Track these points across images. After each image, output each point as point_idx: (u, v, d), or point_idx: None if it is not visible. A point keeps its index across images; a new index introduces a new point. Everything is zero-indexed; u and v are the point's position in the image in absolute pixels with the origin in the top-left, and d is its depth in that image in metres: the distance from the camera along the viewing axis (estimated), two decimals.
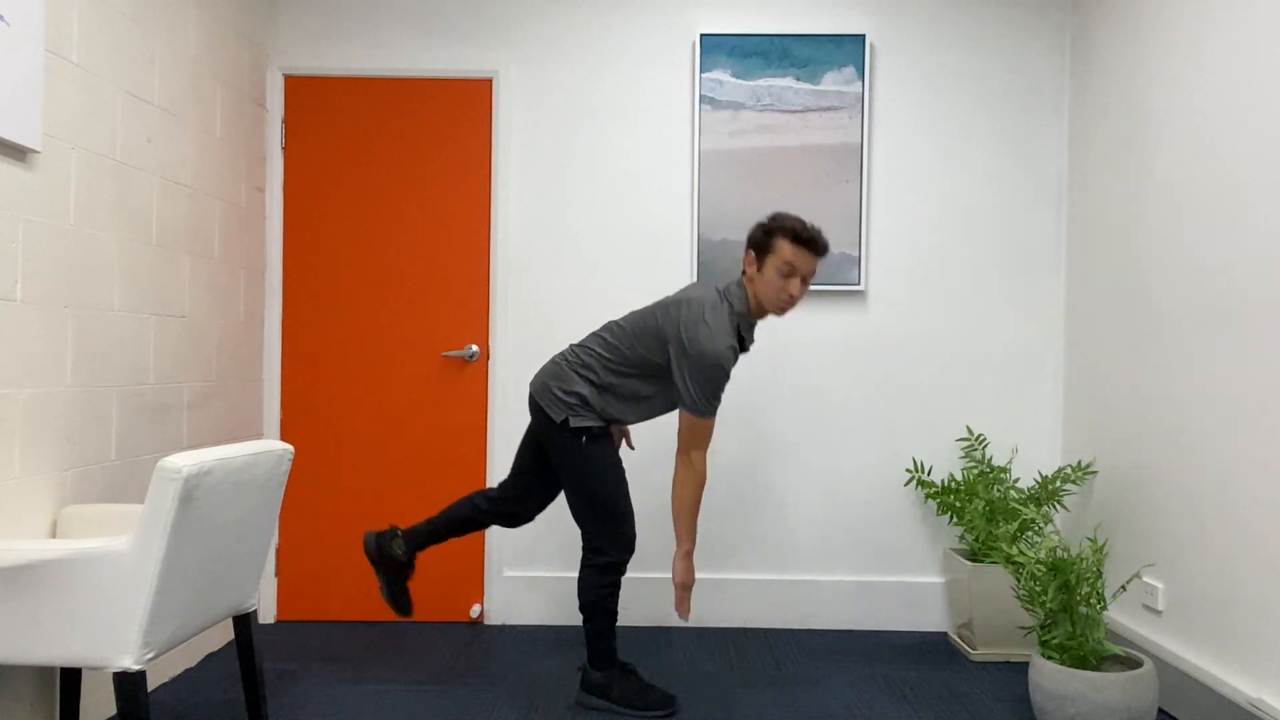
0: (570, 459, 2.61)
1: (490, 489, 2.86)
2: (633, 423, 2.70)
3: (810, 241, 2.52)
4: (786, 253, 2.52)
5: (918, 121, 3.49)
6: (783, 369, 3.50)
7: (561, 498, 3.42)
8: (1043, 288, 3.49)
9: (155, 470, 1.91)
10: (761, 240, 2.56)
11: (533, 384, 2.69)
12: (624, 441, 3.00)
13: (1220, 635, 2.49)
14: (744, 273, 2.62)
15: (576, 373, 2.63)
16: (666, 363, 2.57)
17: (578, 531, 3.49)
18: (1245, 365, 2.40)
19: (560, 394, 2.61)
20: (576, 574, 3.49)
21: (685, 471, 2.58)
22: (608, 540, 2.61)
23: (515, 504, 2.81)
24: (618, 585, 2.63)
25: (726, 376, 2.52)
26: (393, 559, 2.80)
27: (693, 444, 2.57)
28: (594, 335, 2.69)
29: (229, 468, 2.07)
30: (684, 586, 2.62)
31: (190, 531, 1.98)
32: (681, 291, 2.64)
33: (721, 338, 2.48)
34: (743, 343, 2.61)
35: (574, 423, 2.58)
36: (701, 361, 2.48)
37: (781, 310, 2.58)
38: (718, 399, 2.54)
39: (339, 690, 2.80)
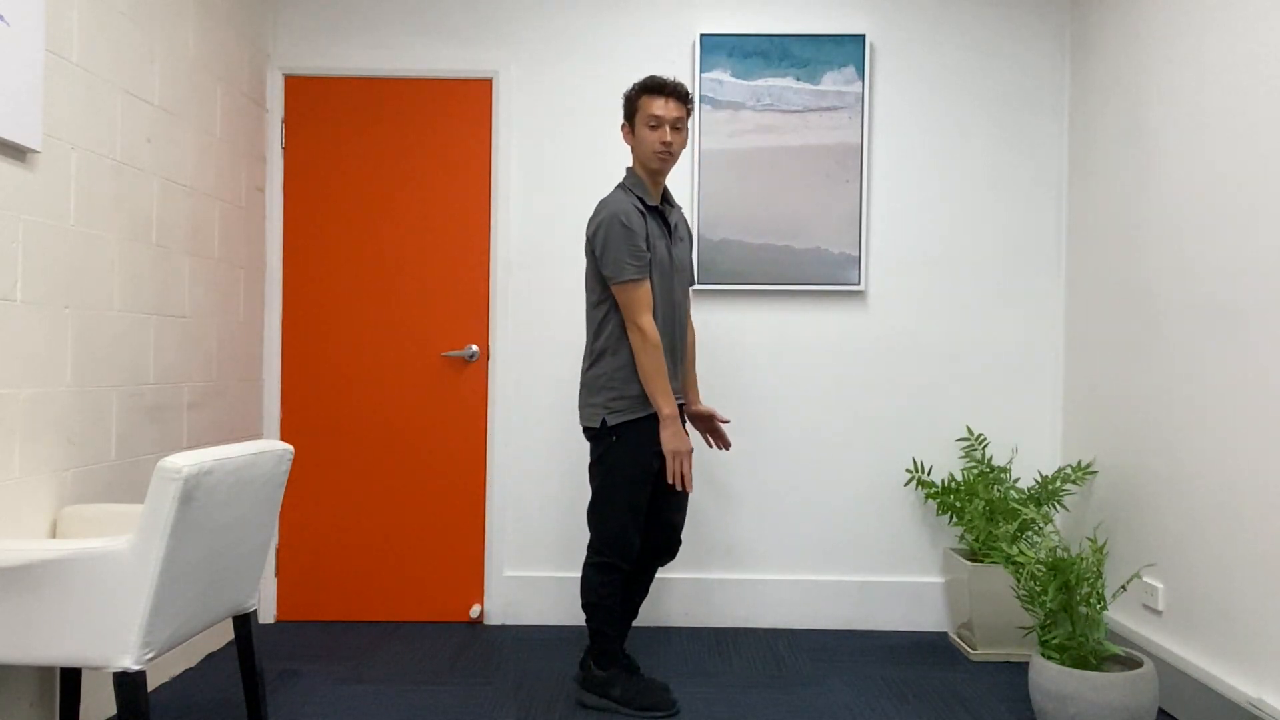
0: (598, 456, 2.64)
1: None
2: (672, 374, 2.64)
3: (659, 85, 2.62)
4: (647, 106, 2.62)
5: (918, 121, 3.49)
6: (783, 368, 3.50)
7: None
8: (1043, 287, 3.49)
9: (155, 470, 1.91)
10: (626, 108, 2.69)
11: (579, 416, 2.74)
12: (714, 442, 2.93)
13: (1220, 635, 2.49)
14: (633, 156, 2.70)
15: (587, 366, 2.66)
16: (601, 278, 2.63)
17: (577, 531, 3.50)
18: (1245, 365, 2.40)
19: (587, 399, 2.64)
20: (576, 574, 3.50)
21: (636, 338, 2.55)
22: (608, 543, 2.61)
23: (644, 544, 2.74)
24: (617, 584, 2.63)
25: (633, 232, 2.54)
26: (605, 682, 2.67)
27: (634, 313, 2.54)
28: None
29: (229, 468, 2.06)
30: (674, 454, 2.54)
31: (190, 531, 1.98)
32: None
33: (614, 202, 2.59)
34: (644, 203, 2.63)
35: (611, 421, 2.59)
36: (600, 229, 2.56)
37: (663, 162, 2.64)
38: (635, 260, 2.53)
39: (339, 690, 2.80)
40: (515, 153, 3.51)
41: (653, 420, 2.58)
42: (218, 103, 3.11)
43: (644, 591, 2.81)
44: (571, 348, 3.50)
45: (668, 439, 2.55)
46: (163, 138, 2.78)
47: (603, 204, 2.62)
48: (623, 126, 2.70)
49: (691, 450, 2.57)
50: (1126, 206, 3.02)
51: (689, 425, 2.76)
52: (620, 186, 2.68)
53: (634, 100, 2.65)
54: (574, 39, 3.50)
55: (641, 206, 2.61)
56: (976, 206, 3.49)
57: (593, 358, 2.65)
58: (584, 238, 3.48)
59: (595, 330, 2.65)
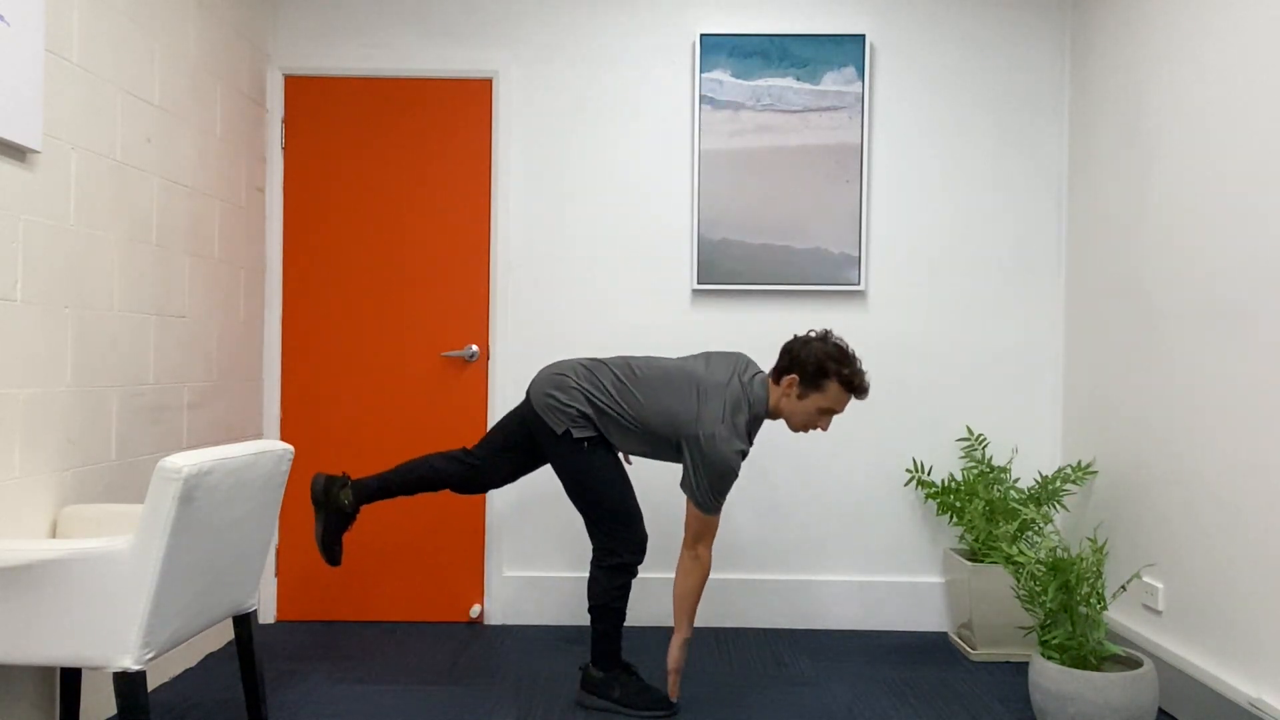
0: (572, 466, 2.60)
1: (453, 451, 2.80)
2: (629, 452, 2.71)
3: (860, 390, 2.55)
4: (834, 396, 2.55)
5: (918, 121, 3.49)
6: None
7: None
8: (1043, 287, 3.49)
9: (155, 470, 1.91)
10: (813, 375, 2.53)
11: (534, 389, 2.65)
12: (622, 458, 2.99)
13: (1220, 635, 2.49)
14: (775, 379, 2.60)
15: (583, 394, 2.60)
16: (673, 442, 2.57)
17: (577, 531, 3.50)
18: (1245, 365, 2.40)
19: (563, 405, 2.59)
20: (576, 574, 3.50)
21: (691, 564, 2.60)
22: (619, 542, 2.61)
23: (482, 473, 2.76)
24: (628, 587, 2.63)
25: (735, 477, 2.55)
26: (337, 506, 2.73)
27: (700, 538, 2.59)
28: (608, 369, 2.64)
29: (229, 468, 2.06)
30: (676, 671, 2.64)
31: (190, 531, 1.98)
32: (706, 369, 2.61)
33: (736, 443, 2.51)
34: (750, 440, 2.61)
35: (576, 434, 2.58)
36: (714, 466, 2.50)
37: (799, 432, 2.65)
38: (724, 498, 2.57)
39: (339, 690, 2.80)
40: (515, 153, 3.51)
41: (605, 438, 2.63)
42: (218, 103, 3.11)
43: (420, 492, 2.80)
44: (571, 347, 3.50)
45: (676, 657, 2.64)
46: (163, 138, 2.78)
47: (723, 421, 2.49)
48: (789, 376, 2.55)
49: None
50: (1126, 206, 3.02)
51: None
52: (747, 407, 2.54)
53: (823, 378, 2.52)
54: (574, 39, 3.51)
55: (747, 445, 2.56)
56: (976, 206, 3.49)
57: (596, 403, 2.58)
58: (592, 244, 3.48)
59: (621, 421, 2.58)
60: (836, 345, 2.56)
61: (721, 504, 2.57)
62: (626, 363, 2.67)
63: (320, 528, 2.74)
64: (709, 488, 2.52)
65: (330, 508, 2.73)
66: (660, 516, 3.49)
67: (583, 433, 2.58)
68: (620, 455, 2.79)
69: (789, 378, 2.56)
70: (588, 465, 2.59)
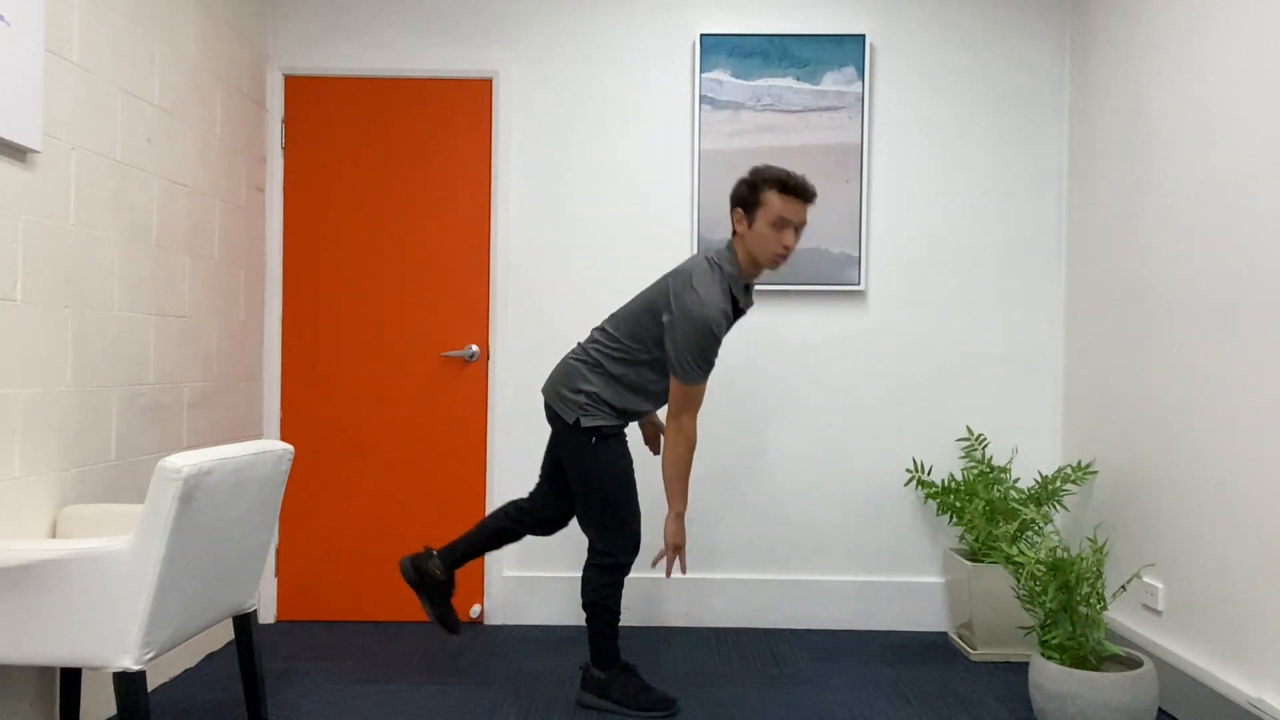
0: (578, 459, 2.61)
1: (521, 499, 2.86)
2: (651, 410, 2.69)
3: (798, 189, 2.52)
4: (776, 204, 2.51)
5: (918, 121, 3.49)
6: (783, 368, 3.50)
7: None
8: (1043, 287, 3.49)
9: (155, 470, 1.91)
10: (748, 195, 2.54)
11: (544, 388, 2.70)
12: (651, 447, 3.00)
13: (1220, 635, 2.49)
14: (733, 232, 2.60)
15: (585, 368, 2.63)
16: (662, 336, 2.57)
17: (576, 530, 3.50)
18: (1245, 365, 2.40)
19: (570, 394, 2.61)
20: (575, 574, 3.49)
21: (675, 436, 2.57)
22: (612, 541, 2.61)
23: (546, 510, 2.81)
24: (620, 585, 2.63)
25: (717, 342, 2.51)
26: (433, 579, 2.79)
27: (683, 409, 2.55)
28: (597, 329, 2.70)
29: (229, 468, 2.07)
30: (676, 548, 2.62)
31: (190, 531, 1.98)
32: (677, 266, 2.65)
33: (711, 303, 2.48)
34: (736, 305, 2.61)
35: (585, 423, 2.58)
36: (690, 327, 2.47)
37: (776, 264, 2.57)
38: (708, 365, 2.52)
39: (339, 690, 2.80)
40: (515, 152, 3.51)
41: (622, 429, 2.64)
42: (218, 103, 3.11)
43: (505, 544, 2.85)
44: (571, 348, 3.50)
45: (673, 532, 2.61)
46: (163, 138, 2.78)
47: (699, 293, 2.48)
48: (734, 212, 2.56)
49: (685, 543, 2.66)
50: (1126, 206, 3.02)
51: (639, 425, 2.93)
52: (718, 269, 2.54)
53: (757, 191, 2.52)
54: (574, 39, 3.50)
55: (729, 306, 2.54)
56: (976, 206, 3.49)
57: (596, 369, 2.61)
58: (593, 244, 3.48)
59: (619, 357, 2.60)
60: (765, 165, 2.57)
61: (704, 374, 2.52)
62: (611, 315, 2.72)
63: (427, 606, 2.81)
64: (690, 353, 2.48)
65: (427, 584, 2.79)
66: (660, 516, 3.49)
67: (592, 421, 2.58)
68: (630, 455, 2.80)
69: (736, 214, 2.58)
70: (594, 460, 2.60)
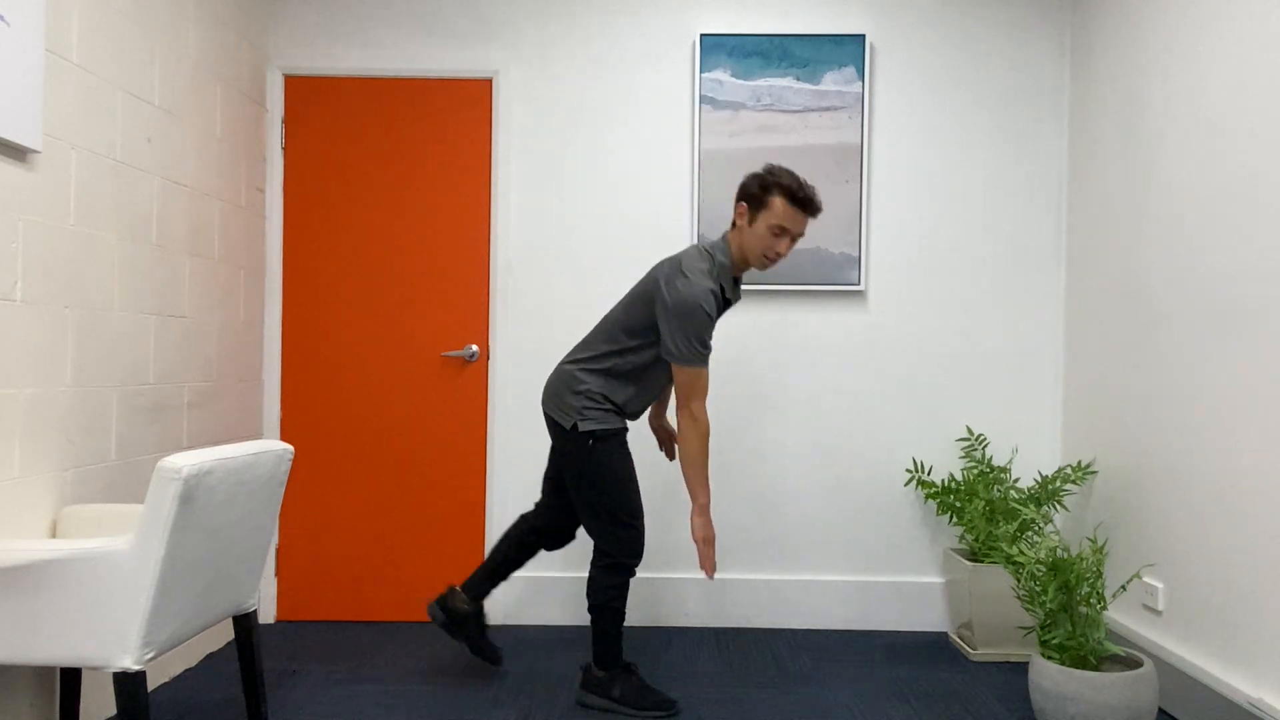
0: (577, 463, 2.61)
1: (528, 513, 2.87)
2: (646, 402, 2.69)
3: (806, 202, 2.52)
4: (780, 211, 2.52)
5: (918, 121, 3.49)
6: (783, 369, 3.50)
7: None
8: (1043, 287, 3.49)
9: (155, 470, 1.91)
10: (756, 194, 2.55)
11: (542, 398, 2.70)
12: (666, 452, 3.00)
13: (1220, 635, 2.49)
14: (733, 224, 2.61)
15: (578, 369, 2.63)
16: (656, 324, 2.58)
17: (577, 532, 3.49)
18: (1245, 365, 2.40)
19: (568, 398, 2.61)
20: (576, 574, 3.49)
21: (688, 425, 2.56)
22: (618, 543, 2.61)
23: (554, 522, 2.82)
24: (626, 586, 2.63)
25: (710, 321, 2.51)
26: (462, 615, 2.79)
27: (690, 396, 2.54)
28: (591, 330, 2.71)
29: (229, 468, 2.06)
30: (706, 541, 2.58)
31: (190, 531, 1.98)
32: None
33: (699, 284, 2.49)
34: (724, 291, 2.60)
35: (582, 426, 2.58)
36: (681, 309, 2.47)
37: (763, 267, 2.59)
38: (705, 346, 2.52)
39: (339, 690, 2.80)
40: (515, 153, 3.51)
41: (622, 432, 2.63)
42: (218, 103, 3.11)
43: (525, 560, 2.86)
44: (571, 348, 3.49)
45: (700, 525, 2.58)
46: (163, 138, 2.78)
47: (688, 276, 2.49)
48: (739, 205, 2.57)
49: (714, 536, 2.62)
50: (1126, 206, 3.02)
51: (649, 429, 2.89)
52: (709, 256, 2.56)
53: (767, 192, 2.52)
54: (574, 39, 3.50)
55: (718, 289, 2.55)
56: (976, 206, 3.49)
57: (590, 366, 2.62)
58: (593, 244, 3.48)
59: (613, 350, 2.61)
60: (780, 167, 2.56)
61: (704, 354, 2.51)
62: (605, 315, 2.73)
63: (464, 642, 2.81)
64: (685, 335, 2.48)
65: (460, 622, 2.80)
66: (661, 516, 3.49)
67: (589, 425, 2.58)
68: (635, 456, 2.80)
69: (739, 207, 2.58)
70: (594, 464, 2.59)
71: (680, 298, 2.48)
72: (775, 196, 2.52)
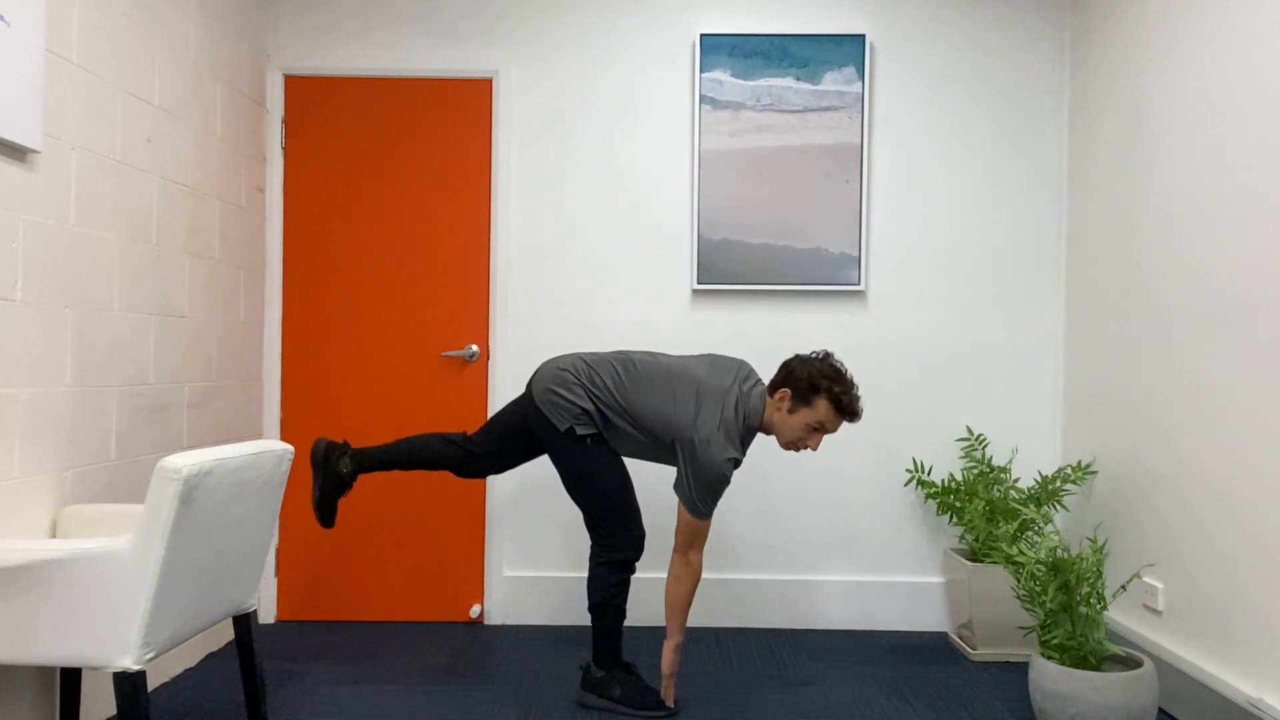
0: (574, 462, 2.61)
1: (452, 435, 2.82)
2: (635, 456, 2.71)
3: (850, 412, 2.54)
4: (823, 415, 2.54)
5: (918, 121, 3.49)
6: None
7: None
8: (1043, 287, 3.49)
9: (155, 470, 1.91)
10: (804, 391, 2.53)
11: (536, 385, 2.66)
12: None
13: (1220, 635, 2.49)
14: (770, 393, 2.59)
15: (585, 391, 2.61)
16: (667, 442, 2.57)
17: (577, 530, 3.50)
18: (1245, 365, 2.40)
19: (565, 403, 2.60)
20: (576, 574, 3.49)
21: (682, 570, 2.59)
22: (618, 539, 2.62)
23: (480, 460, 2.79)
24: (628, 584, 2.64)
25: (727, 484, 2.55)
26: (336, 473, 2.74)
27: (691, 544, 2.58)
28: (608, 363, 2.65)
29: (229, 468, 2.06)
30: (670, 676, 2.64)
31: (190, 531, 1.98)
32: (708, 372, 2.60)
33: (730, 450, 2.50)
34: (744, 449, 2.60)
35: (580, 431, 2.58)
36: (705, 470, 2.49)
37: (789, 450, 2.63)
38: (715, 504, 2.56)
39: (339, 690, 2.80)
40: (515, 153, 3.51)
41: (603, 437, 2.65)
42: (218, 103, 3.11)
43: (418, 469, 2.83)
44: (571, 348, 3.50)
45: (669, 662, 2.63)
46: (163, 138, 2.78)
47: (717, 431, 2.49)
48: (781, 390, 2.55)
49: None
50: (1126, 206, 3.02)
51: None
52: (740, 415, 2.54)
53: (814, 394, 2.52)
54: (574, 39, 3.50)
55: (740, 455, 2.55)
56: (976, 206, 3.49)
57: (594, 400, 2.59)
58: (593, 244, 3.48)
59: (621, 418, 2.58)
60: (834, 366, 2.56)
61: (712, 510, 2.56)
62: (628, 359, 2.67)
63: (317, 491, 2.76)
64: (700, 494, 2.52)
65: (328, 472, 2.75)
66: (660, 516, 3.49)
67: (585, 429, 2.59)
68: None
69: (782, 391, 2.56)
70: (590, 462, 2.60)
71: (708, 459, 2.48)
72: (822, 401, 2.53)
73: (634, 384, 2.60)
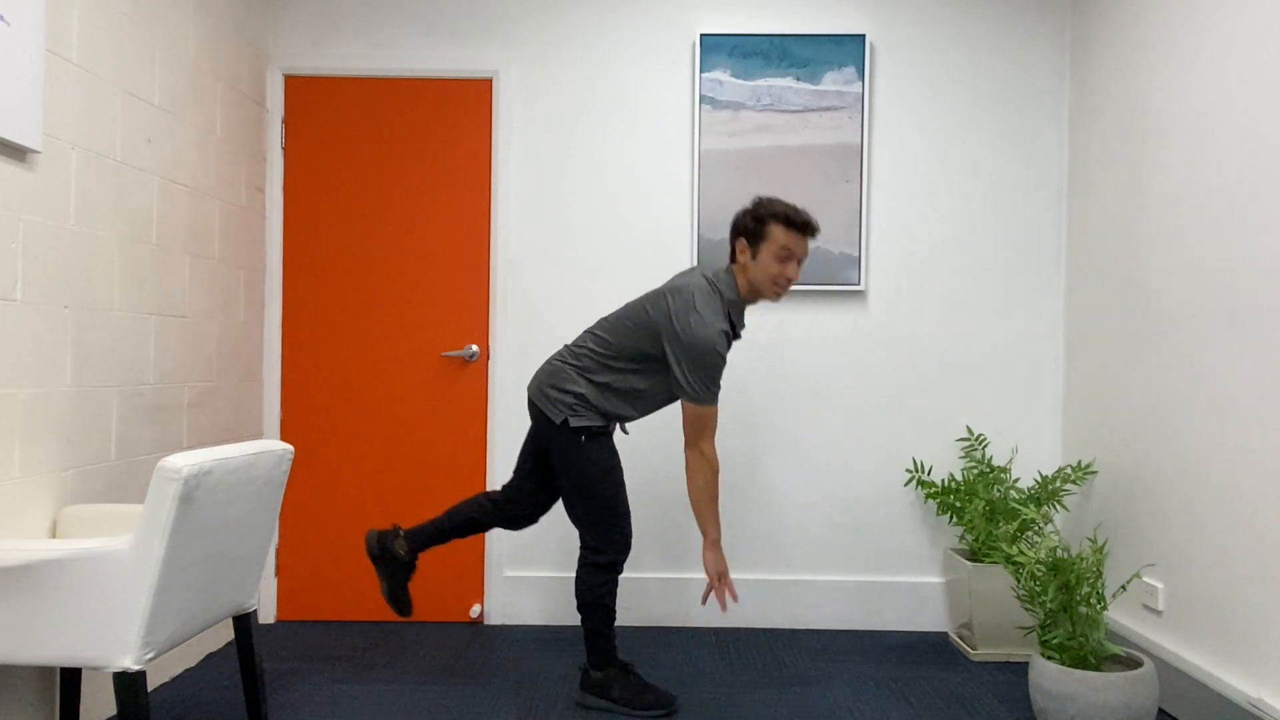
0: (569, 458, 2.61)
1: (494, 491, 2.86)
2: (635, 419, 2.70)
3: (804, 225, 2.56)
4: (781, 238, 2.55)
5: (918, 121, 3.49)
6: (783, 369, 3.50)
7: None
8: (1043, 287, 3.49)
9: (155, 470, 1.91)
10: (753, 227, 2.58)
11: (530, 387, 2.69)
12: (618, 427, 3.02)
13: (1220, 635, 2.49)
14: (734, 260, 2.62)
15: (574, 371, 2.63)
16: (660, 354, 2.57)
17: (574, 531, 3.49)
18: (1245, 365, 2.40)
19: (558, 394, 2.61)
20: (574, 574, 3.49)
21: (698, 463, 2.58)
22: (606, 540, 2.62)
23: (518, 506, 2.81)
24: (615, 583, 2.64)
25: (723, 362, 2.53)
26: (395, 558, 2.79)
27: (700, 435, 2.57)
28: (587, 333, 2.69)
29: (229, 468, 2.06)
30: (719, 576, 2.62)
31: (190, 531, 1.98)
32: (670, 280, 2.65)
33: (714, 324, 2.49)
34: (734, 328, 2.62)
35: (574, 422, 2.59)
36: (696, 350, 2.48)
37: (778, 295, 2.61)
38: (717, 385, 2.54)
39: (339, 690, 2.80)
40: (515, 153, 3.51)
41: (610, 431, 2.65)
42: (218, 103, 3.11)
43: (472, 534, 2.84)
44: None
45: (712, 560, 2.61)
46: (163, 138, 2.78)
47: (701, 314, 2.49)
48: (738, 242, 2.59)
49: (727, 570, 2.64)
50: (1126, 206, 3.02)
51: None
52: (716, 291, 2.56)
53: (763, 224, 2.55)
54: (574, 39, 3.50)
55: (729, 327, 2.56)
56: (976, 206, 3.49)
57: (588, 375, 2.61)
58: (593, 244, 3.48)
59: (611, 367, 2.60)
60: (768, 197, 2.61)
61: (715, 393, 2.54)
62: (600, 320, 2.71)
63: (385, 582, 2.80)
64: (697, 376, 2.50)
65: (389, 561, 2.79)
66: (661, 515, 3.49)
67: (580, 421, 2.59)
68: (616, 443, 2.79)
69: (738, 244, 2.60)
70: (584, 457, 2.60)
71: (694, 338, 2.48)
72: (772, 225, 2.55)
73: (612, 327, 2.64)
